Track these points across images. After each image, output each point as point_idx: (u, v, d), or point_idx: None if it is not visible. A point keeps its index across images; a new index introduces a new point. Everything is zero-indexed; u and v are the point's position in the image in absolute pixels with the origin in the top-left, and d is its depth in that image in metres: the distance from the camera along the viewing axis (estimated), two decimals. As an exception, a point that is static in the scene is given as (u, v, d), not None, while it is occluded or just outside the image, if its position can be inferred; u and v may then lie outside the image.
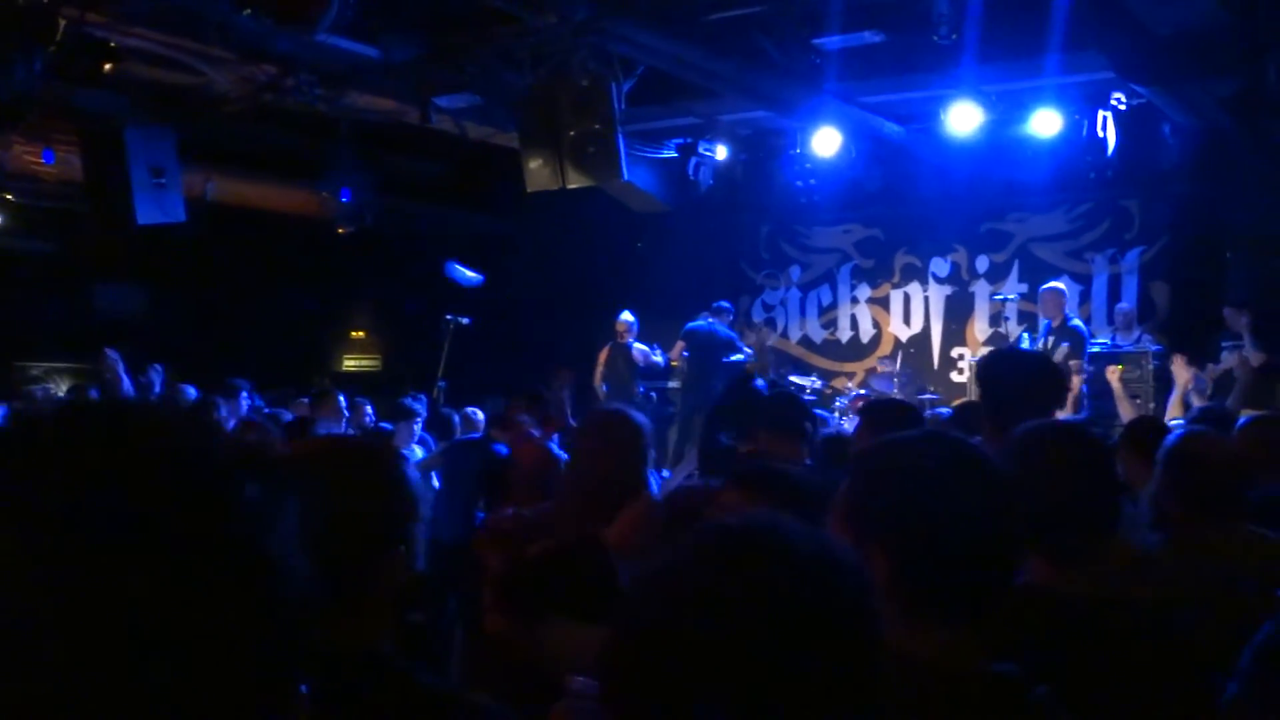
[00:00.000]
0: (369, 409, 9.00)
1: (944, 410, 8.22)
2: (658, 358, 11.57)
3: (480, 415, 8.30)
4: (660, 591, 1.05)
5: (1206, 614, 2.30)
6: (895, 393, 11.02)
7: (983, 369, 3.40)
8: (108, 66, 7.67)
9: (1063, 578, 2.06)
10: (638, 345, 11.45)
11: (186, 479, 0.79)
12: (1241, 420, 4.62)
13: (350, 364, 16.20)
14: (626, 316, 11.46)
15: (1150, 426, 4.77)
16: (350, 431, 7.82)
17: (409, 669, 1.61)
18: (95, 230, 10.47)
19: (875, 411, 4.42)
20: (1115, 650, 1.97)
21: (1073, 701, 1.86)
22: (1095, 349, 9.77)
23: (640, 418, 3.16)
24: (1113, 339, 10.30)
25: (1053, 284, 10.00)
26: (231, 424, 7.51)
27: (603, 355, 11.50)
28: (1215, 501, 3.03)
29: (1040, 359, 3.92)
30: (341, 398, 8.15)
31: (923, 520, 1.47)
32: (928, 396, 10.61)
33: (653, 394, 11.50)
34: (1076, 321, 9.66)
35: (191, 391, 8.67)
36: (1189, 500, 3.05)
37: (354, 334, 16.31)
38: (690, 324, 11.12)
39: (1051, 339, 9.51)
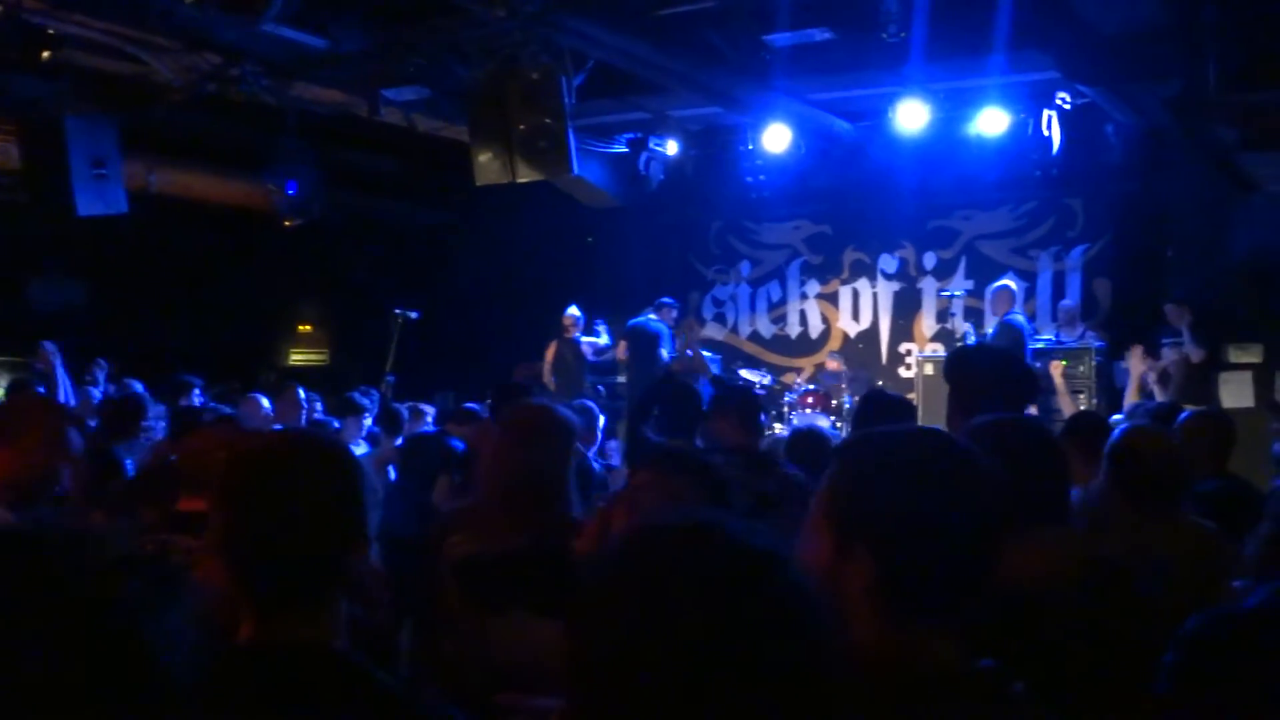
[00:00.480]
0: (319, 405, 8.90)
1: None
2: (604, 339, 11.55)
3: (429, 409, 8.22)
4: (611, 590, 1.04)
5: (1146, 603, 2.33)
6: (844, 388, 11.12)
7: (951, 364, 3.40)
8: (46, 54, 7.51)
9: (1012, 568, 2.08)
10: (585, 339, 11.43)
11: (59, 592, 0.94)
12: (1181, 415, 4.71)
13: (297, 358, 16.02)
14: (573, 311, 11.45)
15: (1091, 422, 4.84)
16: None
17: (365, 666, 1.60)
18: (35, 222, 10.27)
19: (873, 404, 4.41)
20: (1065, 639, 1.99)
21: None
22: (1039, 345, 9.92)
23: (565, 413, 3.11)
24: (1056, 335, 10.46)
25: (1003, 282, 10.16)
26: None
27: (550, 351, 11.48)
28: (1156, 495, 3.09)
29: (1009, 355, 3.95)
30: (301, 391, 8.03)
31: (911, 520, 1.42)
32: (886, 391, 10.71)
33: (600, 387, 11.48)
34: (1016, 317, 9.81)
35: (138, 387, 8.53)
36: (1130, 494, 3.10)
37: (301, 328, 16.13)
38: (632, 320, 11.15)
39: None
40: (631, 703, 0.98)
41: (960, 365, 3.30)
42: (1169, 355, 9.20)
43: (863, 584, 1.41)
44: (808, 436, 5.00)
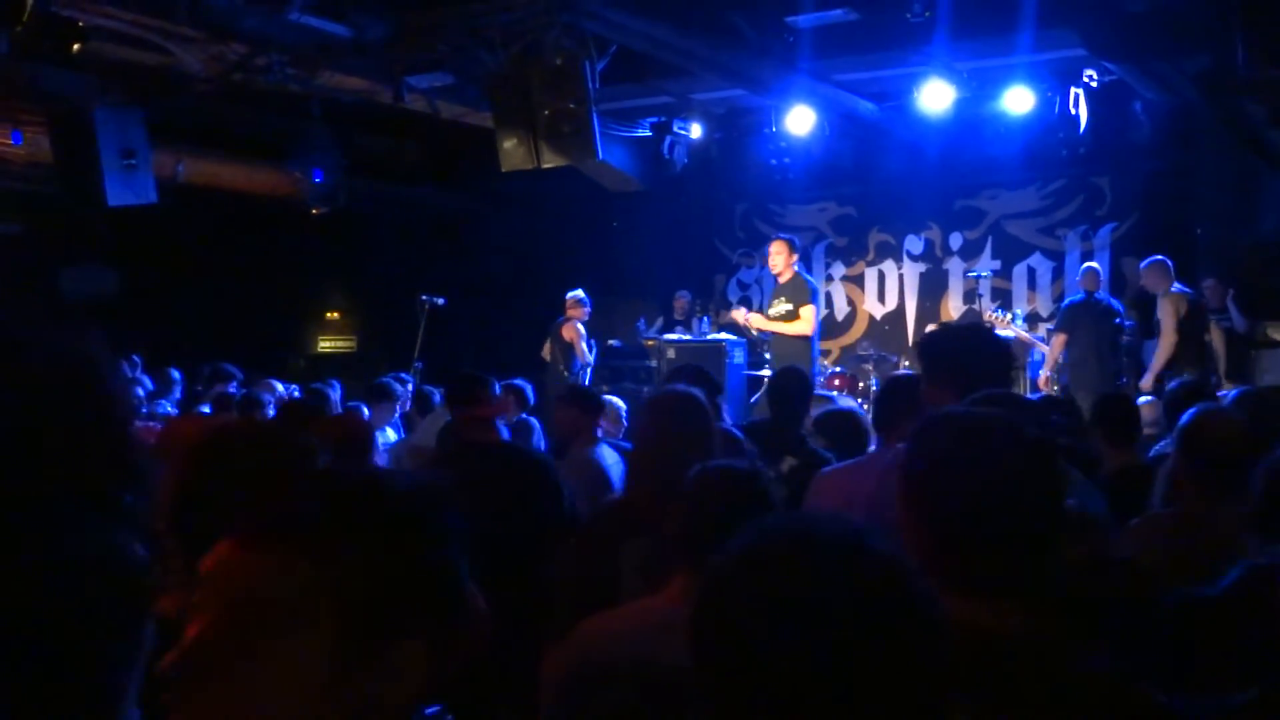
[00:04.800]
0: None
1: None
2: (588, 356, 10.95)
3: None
4: (735, 590, 1.07)
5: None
6: (870, 370, 11.10)
7: (929, 345, 3.36)
8: (76, 46, 7.57)
9: None
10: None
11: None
12: (1231, 394, 4.66)
13: (325, 345, 16.14)
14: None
15: (1120, 404, 4.83)
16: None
17: None
18: (65, 212, 10.38)
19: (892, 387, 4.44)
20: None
21: None
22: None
23: (700, 396, 3.07)
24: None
25: (1090, 264, 10.08)
26: (209, 408, 7.44)
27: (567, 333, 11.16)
28: (1229, 479, 3.03)
29: (982, 330, 3.90)
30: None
31: (960, 495, 1.53)
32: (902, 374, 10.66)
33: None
34: (1068, 299, 9.78)
35: (176, 374, 8.63)
36: (1203, 479, 3.06)
37: (329, 315, 16.25)
38: None
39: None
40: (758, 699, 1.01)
41: (937, 345, 3.25)
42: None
43: (920, 553, 1.50)
44: (836, 416, 5.09)
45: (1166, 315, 8.78)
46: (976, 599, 1.49)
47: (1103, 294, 9.70)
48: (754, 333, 9.82)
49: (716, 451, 2.95)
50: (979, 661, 1.43)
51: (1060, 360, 9.32)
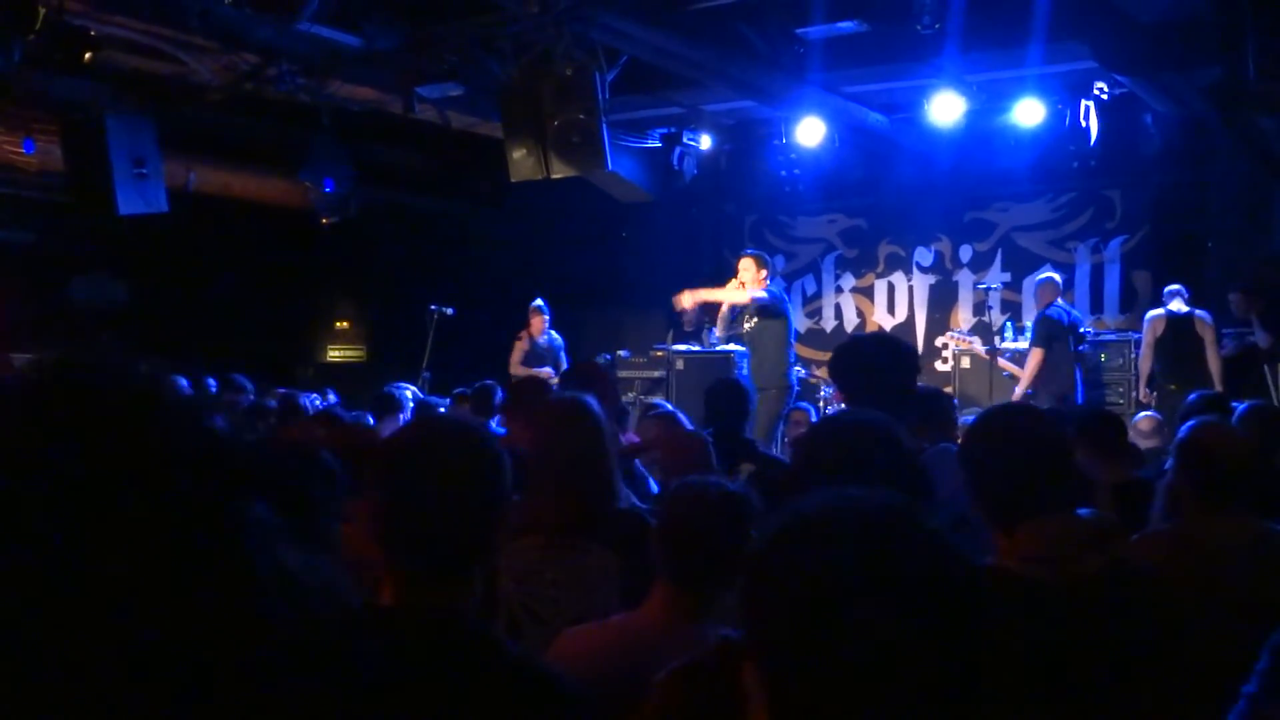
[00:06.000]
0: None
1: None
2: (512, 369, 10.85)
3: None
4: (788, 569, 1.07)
5: (1181, 596, 2.31)
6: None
7: (832, 363, 3.38)
8: (88, 55, 7.61)
9: (1017, 556, 2.09)
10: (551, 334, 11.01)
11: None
12: (1242, 407, 4.63)
13: (334, 354, 16.16)
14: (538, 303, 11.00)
15: (1104, 419, 4.82)
16: None
17: (499, 637, 1.68)
18: (76, 221, 10.43)
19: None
20: (1068, 628, 2.00)
21: (1029, 680, 1.89)
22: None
23: (593, 404, 3.07)
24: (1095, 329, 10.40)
25: (1046, 274, 10.12)
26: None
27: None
28: (1224, 492, 3.02)
29: (885, 338, 4.01)
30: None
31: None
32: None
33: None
34: (1056, 309, 9.67)
35: (184, 384, 8.63)
36: (1203, 492, 3.04)
37: (338, 324, 16.27)
38: None
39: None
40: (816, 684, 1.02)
41: (840, 360, 3.27)
42: (1229, 346, 9.14)
43: None
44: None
45: (1144, 334, 9.35)
46: None
47: (1064, 304, 9.69)
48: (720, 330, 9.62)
49: (611, 456, 3.00)
50: None
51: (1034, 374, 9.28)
